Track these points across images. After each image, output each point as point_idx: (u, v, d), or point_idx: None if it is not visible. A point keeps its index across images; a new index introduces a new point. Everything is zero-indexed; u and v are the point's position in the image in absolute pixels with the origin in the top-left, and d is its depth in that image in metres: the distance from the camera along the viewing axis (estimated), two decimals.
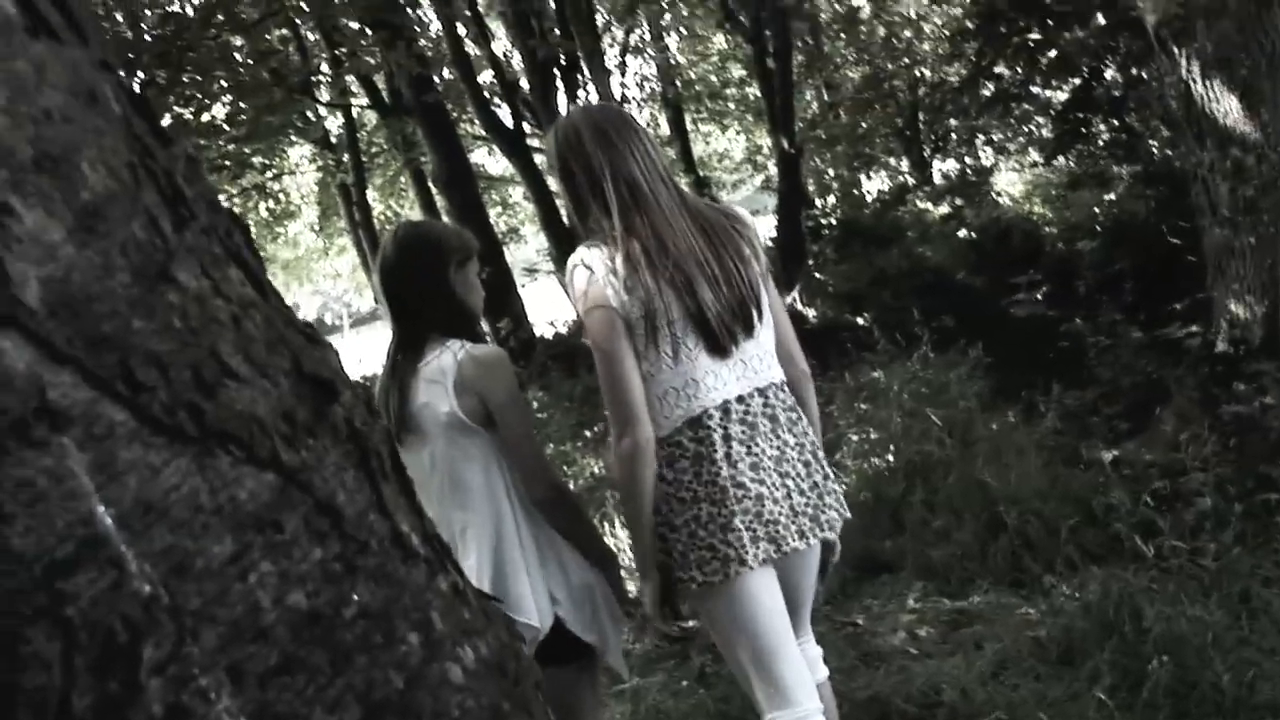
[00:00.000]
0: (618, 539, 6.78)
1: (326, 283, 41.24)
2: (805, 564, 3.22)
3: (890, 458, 7.34)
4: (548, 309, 19.40)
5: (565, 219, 18.91)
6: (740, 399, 3.01)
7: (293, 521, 1.04)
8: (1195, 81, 7.08)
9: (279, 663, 1.01)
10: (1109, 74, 14.76)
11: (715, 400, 2.97)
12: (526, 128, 20.49)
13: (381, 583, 1.13)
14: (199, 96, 14.72)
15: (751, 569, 2.96)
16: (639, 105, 27.25)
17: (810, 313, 15.49)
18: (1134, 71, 13.86)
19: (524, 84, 19.83)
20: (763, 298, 3.10)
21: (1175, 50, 7.14)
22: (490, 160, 27.12)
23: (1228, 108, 6.93)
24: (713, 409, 2.97)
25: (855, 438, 7.99)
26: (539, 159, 20.74)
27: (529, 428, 3.21)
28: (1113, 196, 14.37)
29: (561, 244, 19.05)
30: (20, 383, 0.86)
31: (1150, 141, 14.31)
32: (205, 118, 15.03)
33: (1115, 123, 14.89)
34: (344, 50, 16.82)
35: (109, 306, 0.91)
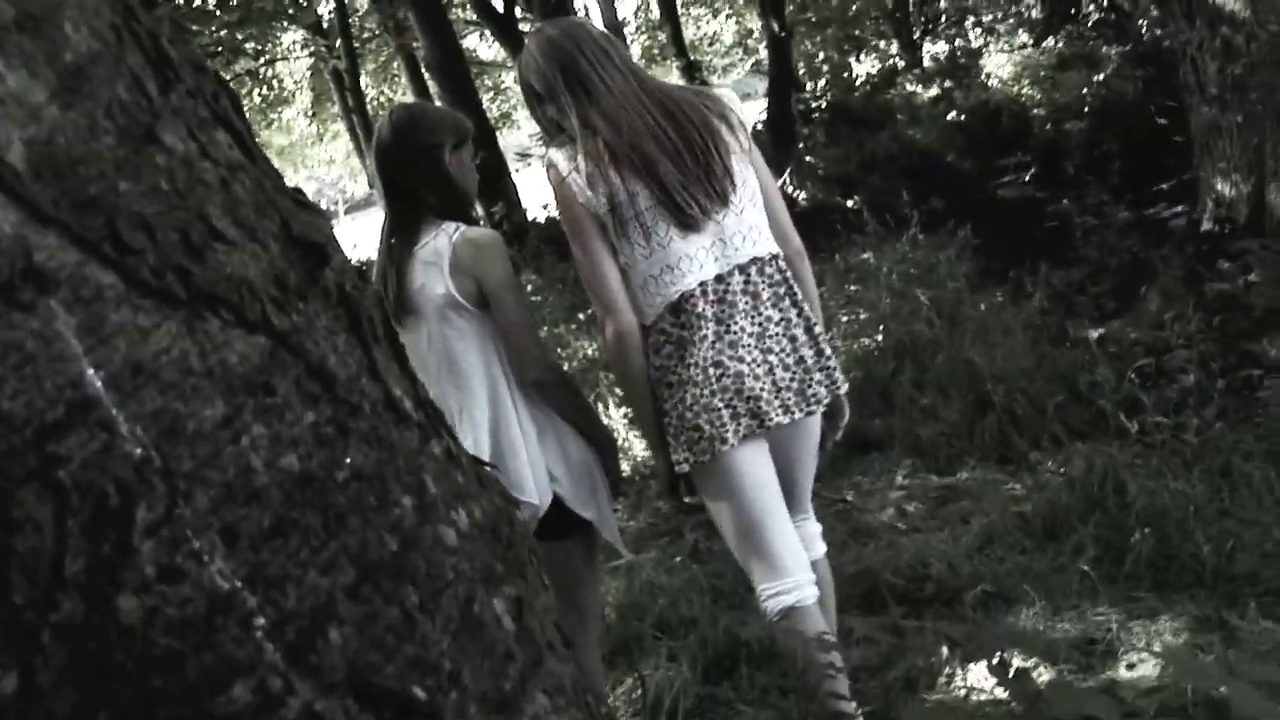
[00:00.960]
0: (612, 420, 6.80)
1: (321, 169, 40.98)
2: (796, 439, 3.19)
3: (879, 338, 7.34)
4: (540, 193, 19.28)
5: None
6: (719, 278, 2.99)
7: (284, 384, 1.03)
8: None
9: (272, 524, 1.00)
10: None
11: (691, 284, 2.96)
12: (518, 12, 20.25)
13: (374, 446, 1.12)
14: None
15: (733, 445, 2.97)
16: None
17: (801, 195, 15.43)
18: None
19: None
20: (738, 170, 3.04)
21: None
22: (482, 45, 26.82)
23: None
24: (690, 291, 2.96)
25: (845, 318, 7.99)
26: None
27: (524, 310, 3.20)
28: (1101, 77, 14.23)
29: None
30: (6, 245, 0.84)
31: (1139, 21, 14.14)
32: (196, 2, 14.85)
33: (1104, 2, 14.71)
34: None
35: (95, 169, 0.89)
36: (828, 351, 3.13)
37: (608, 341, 3.05)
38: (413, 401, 1.23)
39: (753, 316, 3.02)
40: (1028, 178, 12.22)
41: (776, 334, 3.04)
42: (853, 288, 8.55)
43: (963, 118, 16.70)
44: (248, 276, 0.99)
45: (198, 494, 0.94)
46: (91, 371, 0.88)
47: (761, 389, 3.00)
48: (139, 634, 0.95)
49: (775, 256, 3.08)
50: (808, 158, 16.52)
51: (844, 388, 3.20)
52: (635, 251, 2.98)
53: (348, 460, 1.06)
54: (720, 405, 2.96)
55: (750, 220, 3.04)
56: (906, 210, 8.77)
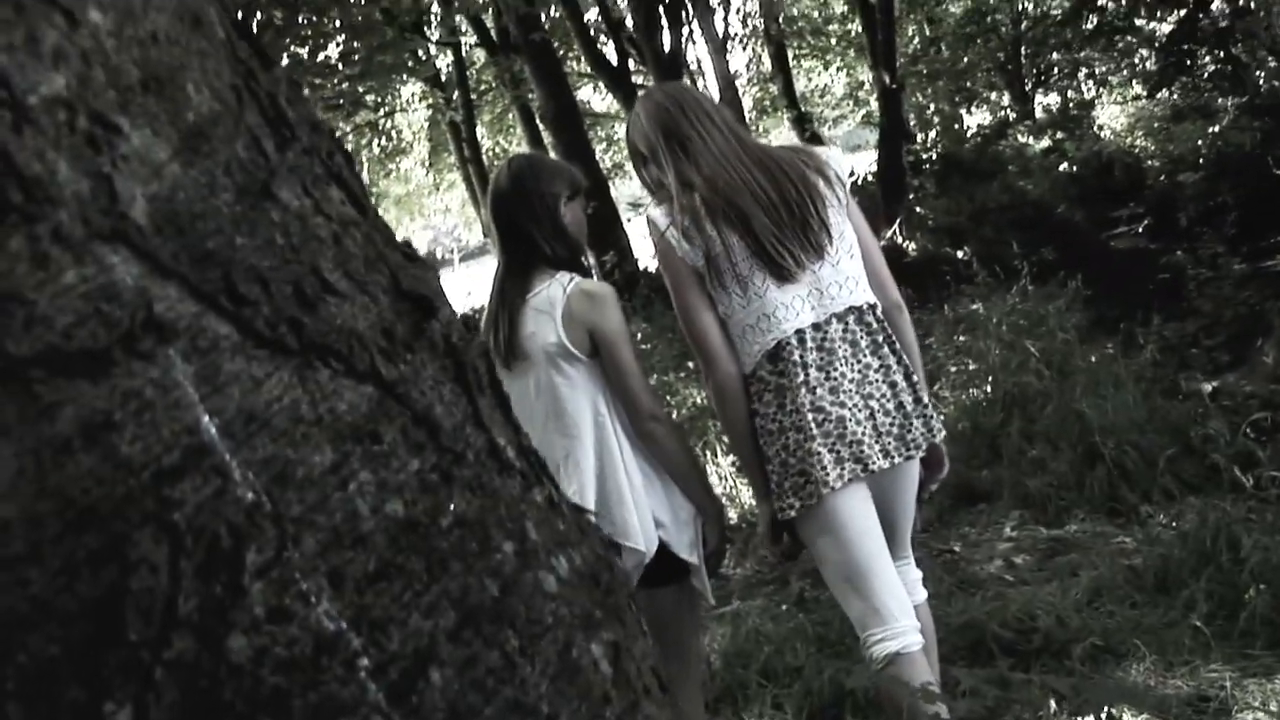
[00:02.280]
0: (719, 466, 6.80)
1: (437, 217, 41.49)
2: (897, 484, 3.22)
3: (988, 389, 7.26)
4: (651, 243, 19.42)
5: None
6: (816, 326, 3.04)
7: (390, 432, 1.05)
8: None
9: (377, 568, 1.02)
10: (1214, 4, 14.34)
11: (788, 330, 3.02)
12: (631, 65, 20.43)
13: (477, 492, 1.14)
14: (314, 36, 14.86)
15: (836, 489, 2.99)
16: (742, 42, 27.04)
17: (910, 246, 15.34)
18: (1240, 1, 13.43)
19: (629, 22, 19.77)
20: (835, 223, 3.11)
21: None
22: (595, 97, 27.08)
23: None
24: (787, 339, 3.02)
25: (954, 369, 7.92)
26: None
27: (635, 360, 3.23)
28: (1217, 129, 13.99)
29: None
30: (128, 296, 0.87)
31: (1256, 73, 13.89)
32: (320, 57, 15.18)
33: (1220, 54, 14.46)
34: None
35: (213, 224, 0.92)
36: (925, 399, 3.16)
37: (710, 390, 3.15)
38: (515, 450, 1.25)
39: (853, 363, 3.06)
40: (1141, 229, 12.00)
41: (876, 380, 3.08)
42: (962, 338, 8.47)
43: (1075, 169, 16.49)
44: (357, 328, 1.02)
45: (306, 538, 0.97)
46: (207, 419, 0.91)
47: (863, 433, 3.03)
48: (248, 673, 0.97)
49: (873, 306, 3.12)
50: (918, 209, 16.43)
51: (941, 435, 3.21)
52: (733, 301, 3.05)
53: (451, 506, 1.08)
54: (823, 450, 2.99)
55: (847, 271, 3.10)
56: (1016, 261, 8.69)
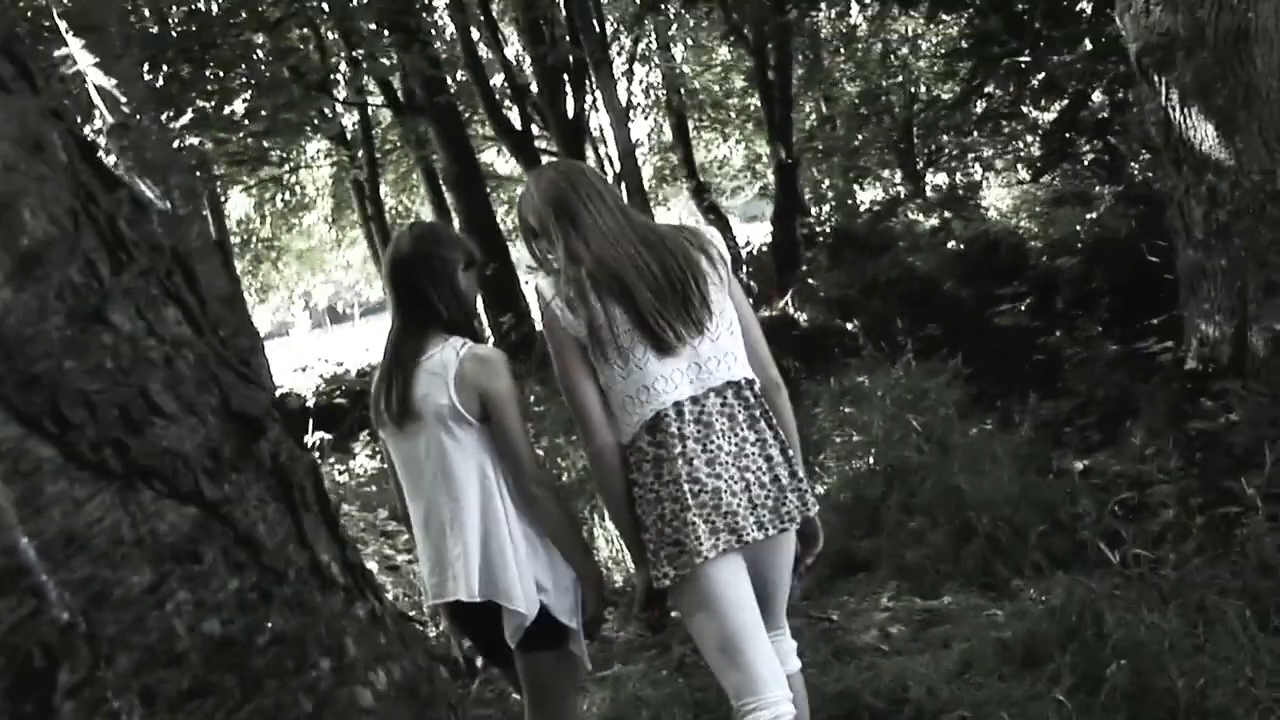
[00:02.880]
0: (606, 530, 6.78)
1: (339, 273, 41.18)
2: (772, 555, 3.26)
3: (871, 460, 7.35)
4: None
5: None
6: (694, 399, 3.09)
7: (211, 552, 1.05)
8: (1174, 109, 7.06)
9: (191, 686, 1.01)
10: (1096, 96, 14.76)
11: (667, 403, 3.07)
12: (535, 129, 20.50)
13: (297, 610, 1.13)
14: (220, 91, 14.77)
15: (710, 559, 3.03)
16: (644, 111, 27.26)
17: (802, 317, 15.50)
18: (1120, 95, 13.84)
19: (534, 88, 19.86)
20: (715, 300, 3.18)
21: (1156, 78, 7.13)
22: (499, 160, 27.09)
23: (1204, 135, 6.92)
24: (666, 411, 3.06)
25: (838, 439, 8.00)
26: (546, 160, 20.77)
27: (523, 425, 3.28)
28: (1094, 215, 14.36)
29: None
30: None
31: (1132, 164, 14.30)
32: (226, 111, 15.07)
33: (1099, 144, 14.87)
34: (361, 51, 16.81)
35: (42, 348, 0.92)
36: (801, 473, 3.21)
37: (588, 458, 3.19)
38: (340, 566, 1.25)
39: (730, 436, 3.10)
40: (1023, 307, 12.25)
41: (753, 454, 3.12)
42: (847, 410, 8.56)
43: (962, 247, 16.78)
44: (183, 449, 1.01)
45: (120, 657, 0.96)
46: (25, 540, 0.90)
47: (738, 505, 3.06)
48: None
49: (750, 382, 3.18)
50: (810, 280, 16.61)
51: (815, 509, 3.28)
52: (614, 372, 3.10)
53: (269, 625, 1.07)
54: (698, 520, 3.01)
55: (726, 347, 3.17)
56: (901, 336, 8.82)
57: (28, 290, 0.95)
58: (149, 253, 1.13)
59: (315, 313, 65.17)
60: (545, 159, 20.19)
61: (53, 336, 0.95)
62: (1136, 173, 14.23)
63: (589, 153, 21.04)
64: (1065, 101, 15.01)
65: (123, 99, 9.08)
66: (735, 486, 3.07)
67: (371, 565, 6.37)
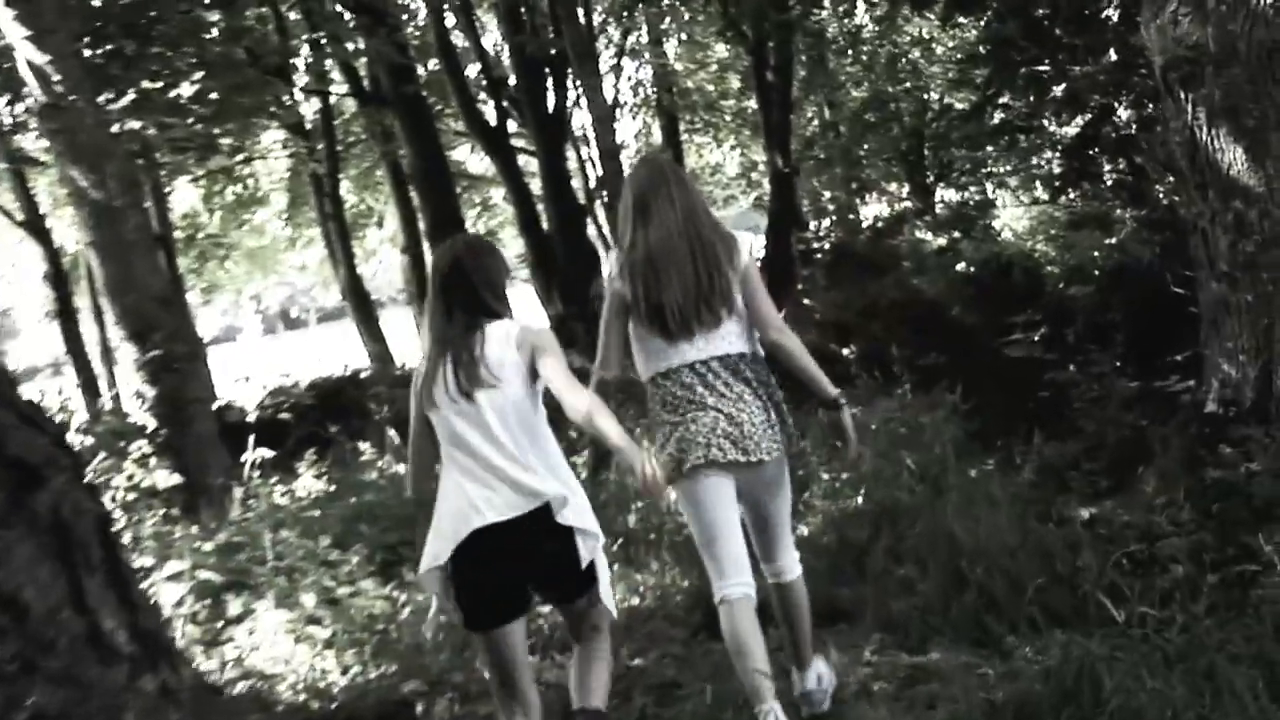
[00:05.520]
0: None
1: (294, 275, 41.15)
2: (760, 478, 4.75)
3: (859, 500, 7.34)
4: (523, 315, 19.20)
5: (545, 224, 18.90)
6: (703, 363, 4.63)
7: None
8: (1201, 129, 7.08)
9: None
10: (1121, 112, 14.79)
11: (677, 363, 4.66)
12: (512, 126, 20.48)
13: (65, 684, 1.11)
14: (167, 71, 14.69)
15: (695, 467, 4.60)
16: (632, 111, 27.27)
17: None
18: (1147, 110, 13.86)
19: (512, 81, 19.82)
20: (733, 300, 4.65)
21: (1182, 95, 7.14)
22: (473, 158, 27.11)
23: (1233, 158, 6.93)
24: (677, 366, 4.66)
25: (826, 475, 7.98)
26: (523, 160, 20.76)
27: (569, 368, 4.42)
28: (1115, 240, 14.39)
29: (539, 249, 19.01)
30: None
31: (1158, 186, 14.33)
32: (172, 94, 14.97)
33: (1123, 163, 14.91)
34: (324, 33, 16.78)
35: None
36: (788, 421, 4.81)
37: (592, 383, 4.69)
38: (129, 633, 1.22)
39: (731, 385, 4.63)
40: (1037, 337, 12.26)
41: (748, 399, 4.63)
42: (837, 444, 8.55)
43: (971, 270, 16.85)
44: None
45: None
46: None
47: (730, 434, 4.60)
48: None
49: (743, 355, 4.69)
50: (805, 300, 16.66)
51: (800, 442, 5.68)
52: (643, 334, 4.73)
53: (31, 699, 1.05)
54: (690, 436, 4.62)
55: (730, 329, 4.67)
56: (897, 366, 8.82)
57: None
58: None
59: (267, 317, 65.13)
60: (522, 158, 20.24)
61: None
62: (1162, 196, 14.27)
63: (570, 153, 21.05)
64: (1088, 116, 15.04)
65: (56, 76, 9.05)
66: (726, 424, 4.58)
67: (308, 598, 6.35)
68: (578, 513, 4.33)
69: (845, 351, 13.29)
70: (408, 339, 22.72)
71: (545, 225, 19.26)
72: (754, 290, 4.73)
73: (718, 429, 4.59)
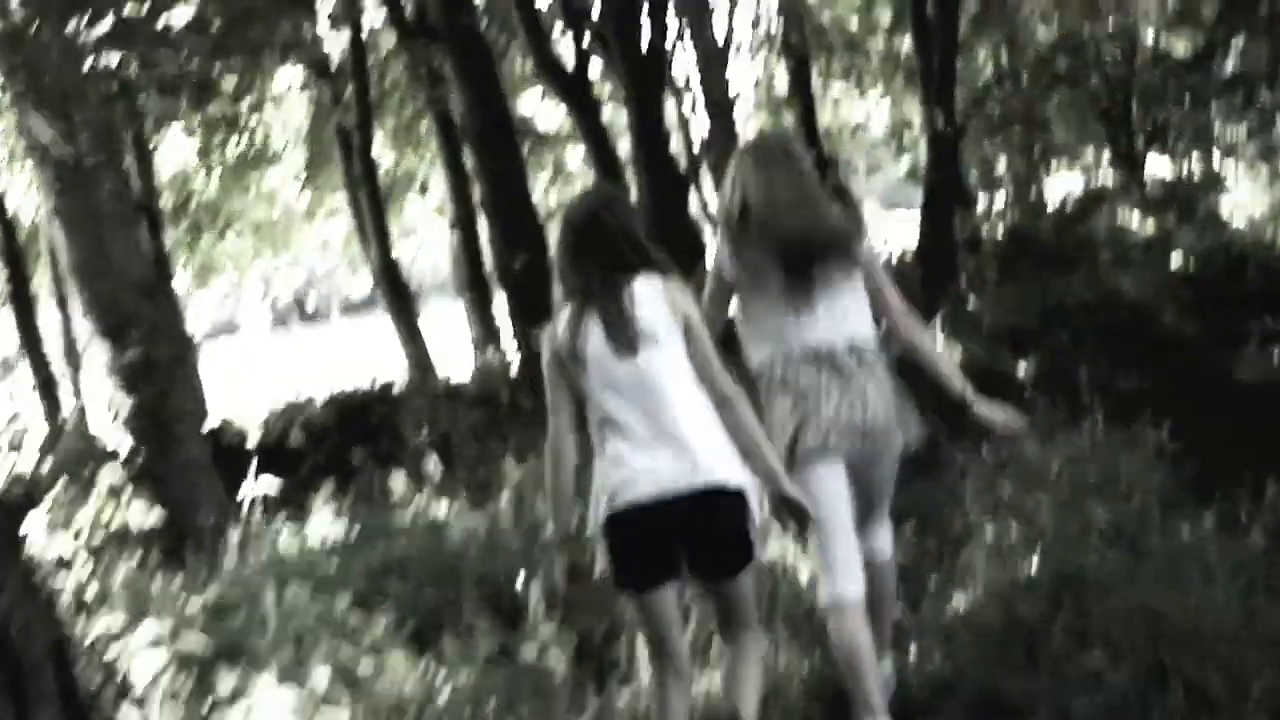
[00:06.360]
0: None
1: (312, 254, 41.46)
2: (872, 465, 5.61)
3: (1033, 565, 7.30)
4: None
5: (635, 195, 18.89)
6: (819, 345, 5.51)
7: None
8: None
9: None
10: None
11: (794, 346, 5.54)
12: (594, 70, 20.48)
13: None
14: None
15: (813, 457, 5.40)
16: (749, 50, 27.21)
17: (955, 353, 15.39)
18: None
19: (595, 11, 19.83)
20: (835, 283, 5.56)
21: None
22: (544, 111, 27.17)
23: None
24: (792, 351, 5.55)
25: (990, 532, 7.94)
26: (608, 113, 20.77)
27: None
28: None
29: None
30: None
31: None
32: (160, 23, 15.09)
33: None
34: None
35: None
36: (909, 410, 5.66)
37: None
38: None
39: (845, 376, 5.44)
40: (1277, 356, 12.11)
41: (862, 388, 5.45)
42: (1006, 493, 8.50)
43: (1192, 264, 16.70)
44: None
45: None
46: None
47: (842, 422, 5.41)
48: None
49: (865, 339, 5.55)
50: (969, 301, 16.56)
51: (919, 437, 5.80)
52: (755, 307, 5.67)
53: None
54: (808, 427, 5.40)
55: (845, 306, 5.54)
56: (1090, 389, 8.75)
57: None
58: None
59: (277, 308, 65.64)
60: (607, 111, 20.25)
61: None
62: None
63: (669, 106, 21.06)
64: None
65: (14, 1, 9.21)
66: (844, 411, 5.41)
67: (320, 673, 6.33)
68: (746, 482, 4.98)
69: (1019, 369, 13.23)
70: (456, 340, 22.74)
71: (636, 196, 19.24)
72: (875, 271, 5.76)
73: (865, 418, 5.43)
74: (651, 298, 5.02)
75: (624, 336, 4.96)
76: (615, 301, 5.01)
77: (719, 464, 4.95)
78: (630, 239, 5.18)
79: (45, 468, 8.67)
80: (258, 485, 8.39)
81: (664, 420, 4.96)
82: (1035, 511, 7.71)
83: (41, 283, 21.75)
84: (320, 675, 6.26)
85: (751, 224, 5.59)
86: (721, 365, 5.14)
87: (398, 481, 10.33)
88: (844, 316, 5.52)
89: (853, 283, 5.60)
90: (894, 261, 18.56)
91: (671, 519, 4.95)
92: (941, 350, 5.96)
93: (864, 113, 31.03)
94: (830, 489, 5.43)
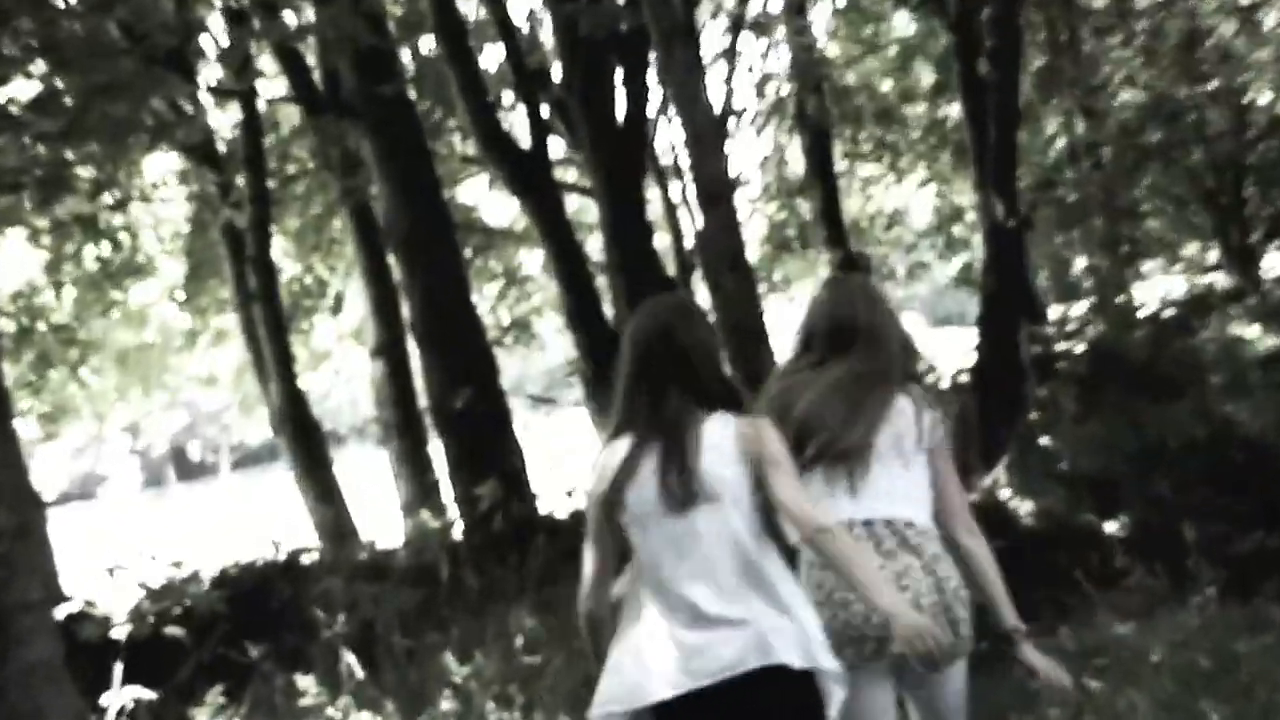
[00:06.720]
0: None
1: (194, 392, 41.50)
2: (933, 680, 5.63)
3: None
4: (571, 463, 18.82)
5: (609, 310, 18.88)
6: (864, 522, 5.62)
7: None
8: None
9: None
10: None
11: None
12: (556, 149, 20.51)
13: None
14: None
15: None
16: (755, 121, 27.25)
17: (1022, 507, 15.35)
18: None
19: (556, 74, 19.92)
20: (877, 472, 5.72)
21: None
22: (490, 202, 27.28)
23: None
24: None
25: None
26: (573, 204, 20.80)
27: (797, 481, 5.20)
28: None
29: (599, 350, 18.81)
30: None
31: None
32: (3, 96, 15.16)
33: None
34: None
35: None
36: (966, 616, 5.54)
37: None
38: None
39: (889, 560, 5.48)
40: None
41: (915, 578, 5.48)
42: (1093, 683, 8.49)
43: None
44: None
45: None
46: None
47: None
48: None
49: (909, 522, 5.61)
50: (1043, 438, 16.59)
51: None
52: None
53: None
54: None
55: (889, 487, 5.65)
56: (1198, 554, 8.77)
57: None
58: None
59: (149, 460, 65.53)
60: (574, 200, 20.29)
61: None
62: None
63: (653, 193, 21.10)
64: None
65: None
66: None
67: None
68: (814, 651, 4.98)
69: (1107, 526, 13.24)
70: (380, 498, 22.64)
71: (610, 312, 19.21)
72: (942, 466, 5.89)
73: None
74: (721, 445, 5.07)
75: (678, 489, 5.03)
76: (678, 444, 5.08)
77: (779, 641, 4.90)
78: (710, 364, 5.31)
79: None
80: (123, 694, 8.34)
81: (714, 596, 4.97)
82: (1130, 714, 7.70)
83: None
84: None
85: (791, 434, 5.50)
86: (807, 503, 5.10)
87: (306, 685, 10.24)
88: (883, 492, 5.62)
89: (886, 472, 5.68)
90: (944, 388, 18.56)
91: (720, 709, 4.92)
92: (997, 574, 5.78)
93: (901, 199, 31.14)
94: (871, 701, 5.53)
